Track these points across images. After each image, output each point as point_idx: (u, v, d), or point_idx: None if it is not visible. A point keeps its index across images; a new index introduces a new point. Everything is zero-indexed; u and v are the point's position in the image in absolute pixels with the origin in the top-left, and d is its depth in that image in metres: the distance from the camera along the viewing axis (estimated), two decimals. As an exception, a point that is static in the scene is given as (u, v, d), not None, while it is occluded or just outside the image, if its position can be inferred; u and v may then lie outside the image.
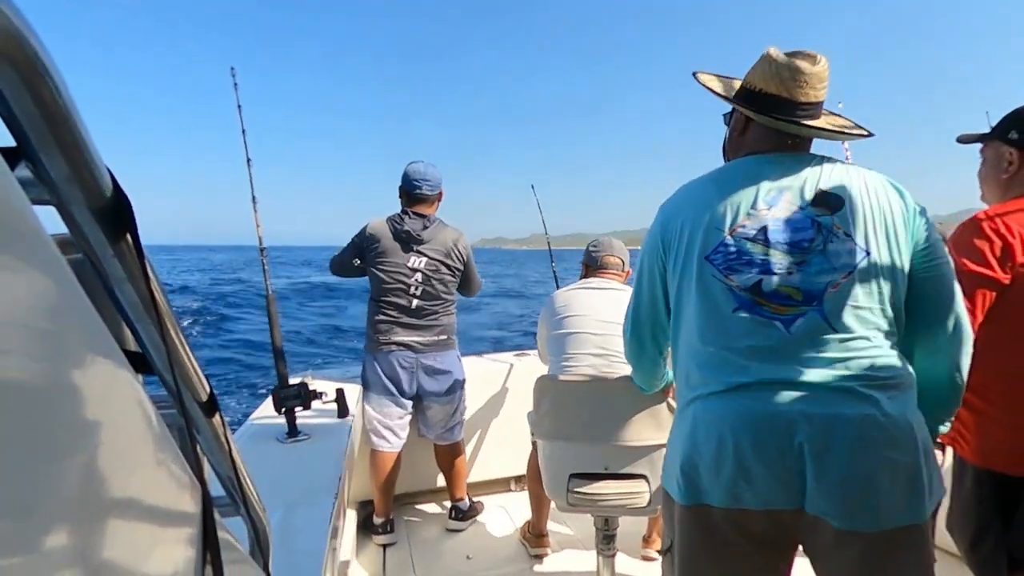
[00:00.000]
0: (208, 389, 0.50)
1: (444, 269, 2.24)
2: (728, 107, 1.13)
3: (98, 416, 0.27)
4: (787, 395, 0.90)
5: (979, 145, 1.36)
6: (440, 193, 2.29)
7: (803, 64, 0.99)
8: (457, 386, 2.33)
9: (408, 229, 2.18)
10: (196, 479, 0.43)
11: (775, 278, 0.94)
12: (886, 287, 0.94)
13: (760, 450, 0.89)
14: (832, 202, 0.96)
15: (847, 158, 1.61)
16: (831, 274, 0.93)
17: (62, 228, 0.32)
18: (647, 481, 1.60)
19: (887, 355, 0.92)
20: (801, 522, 0.91)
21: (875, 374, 0.90)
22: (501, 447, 2.67)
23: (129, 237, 0.34)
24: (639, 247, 1.17)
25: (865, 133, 1.08)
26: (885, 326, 0.94)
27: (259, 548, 0.70)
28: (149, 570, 0.32)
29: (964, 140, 1.37)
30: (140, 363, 0.41)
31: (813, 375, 0.90)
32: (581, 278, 1.99)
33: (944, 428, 1.05)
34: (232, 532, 0.53)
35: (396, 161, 2.35)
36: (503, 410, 2.68)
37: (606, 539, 1.70)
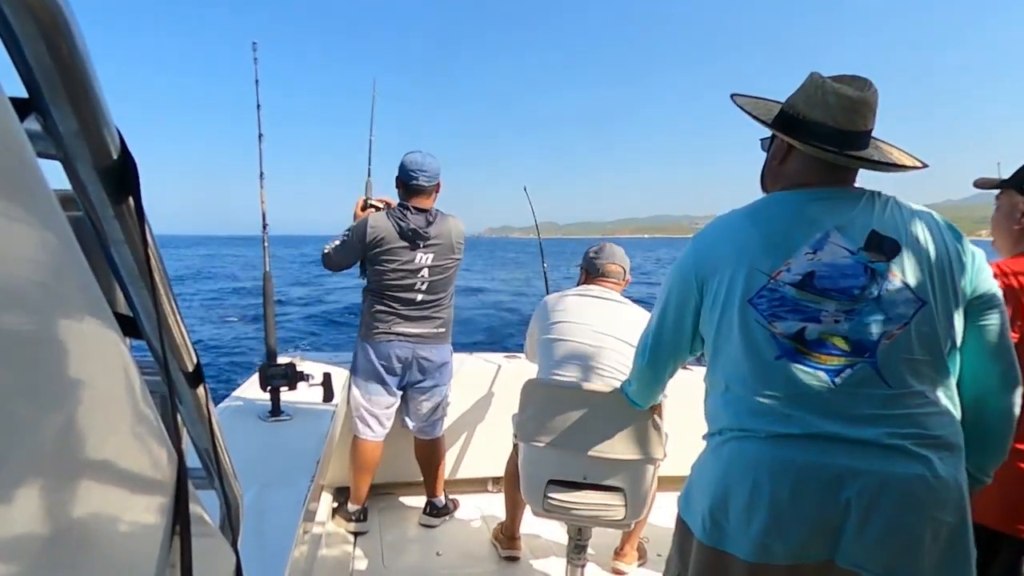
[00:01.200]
0: (195, 359, 0.50)
1: (448, 262, 2.23)
2: (766, 131, 1.07)
3: (81, 374, 0.27)
4: (834, 448, 0.86)
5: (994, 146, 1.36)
6: (438, 184, 2.22)
7: (851, 91, 0.93)
8: (445, 380, 2.33)
9: (414, 227, 2.13)
10: (173, 448, 0.43)
11: (820, 326, 0.90)
12: (943, 339, 0.89)
13: (798, 501, 0.85)
14: (887, 247, 0.91)
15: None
16: (886, 325, 0.88)
17: (66, 185, 0.32)
18: (624, 495, 1.60)
19: (941, 412, 0.88)
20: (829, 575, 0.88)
21: (928, 432, 0.86)
22: (482, 447, 2.67)
23: (131, 200, 0.34)
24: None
25: (919, 165, 1.01)
26: (941, 380, 0.89)
27: (230, 524, 0.69)
28: (117, 533, 0.32)
29: (981, 185, 1.37)
30: (130, 327, 0.41)
31: (862, 430, 0.85)
32: (579, 283, 1.97)
33: (987, 480, 0.99)
34: (204, 505, 0.53)
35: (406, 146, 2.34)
36: (488, 411, 2.67)
37: (577, 548, 1.70)
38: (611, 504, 1.60)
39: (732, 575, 0.92)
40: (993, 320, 0.94)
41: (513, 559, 2.13)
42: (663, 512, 2.47)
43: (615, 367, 1.68)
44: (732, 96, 1.11)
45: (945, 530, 0.85)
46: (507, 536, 2.15)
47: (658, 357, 1.17)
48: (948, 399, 0.90)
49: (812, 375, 0.89)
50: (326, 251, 2.21)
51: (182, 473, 0.43)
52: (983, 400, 0.95)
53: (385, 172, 2.37)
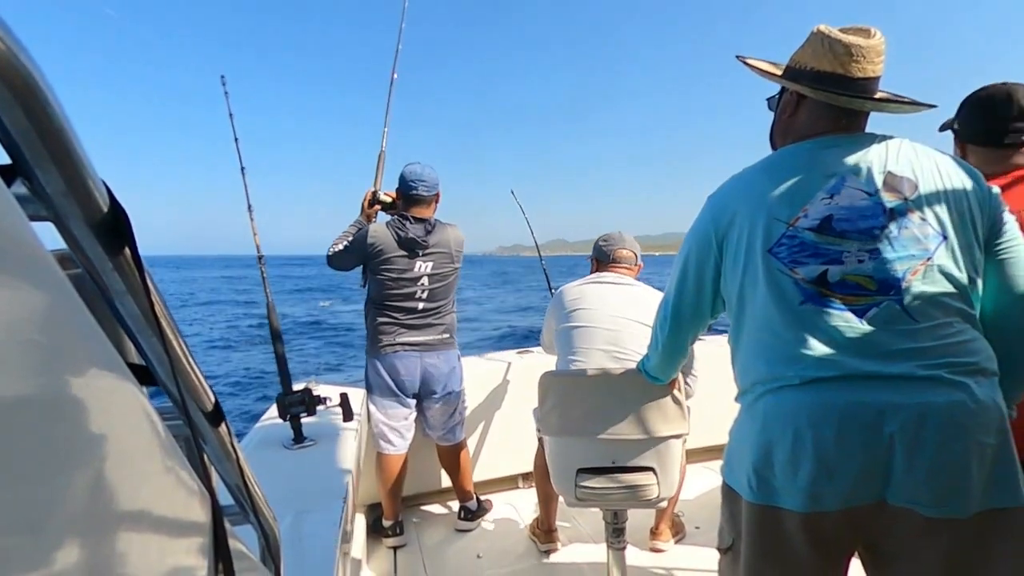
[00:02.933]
0: (213, 398, 0.50)
1: (448, 270, 2.25)
2: (772, 92, 1.08)
3: (103, 429, 0.27)
4: (871, 386, 0.86)
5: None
6: (437, 194, 2.26)
7: (858, 39, 0.94)
8: (456, 386, 2.33)
9: (412, 236, 2.15)
10: (205, 488, 0.43)
11: (843, 267, 0.91)
12: (966, 271, 0.90)
13: (843, 443, 0.85)
14: (904, 186, 0.92)
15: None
16: (909, 261, 0.89)
17: (61, 244, 0.32)
18: (655, 474, 1.61)
19: (972, 340, 0.88)
20: (882, 516, 0.87)
21: (962, 359, 0.86)
22: (507, 445, 2.67)
23: (128, 250, 0.34)
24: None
25: (929, 105, 1.01)
26: (968, 310, 0.90)
27: (270, 555, 0.70)
28: None
29: (942, 128, 1.38)
30: (144, 375, 0.41)
31: (896, 365, 0.86)
32: (592, 272, 1.97)
33: (1012, 413, 0.97)
34: (243, 540, 0.54)
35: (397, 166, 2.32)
36: (507, 408, 2.68)
37: (616, 532, 1.71)
38: (643, 484, 1.60)
39: (786, 529, 0.91)
40: (1013, 253, 0.94)
41: (553, 551, 2.13)
42: (694, 486, 2.48)
43: (636, 349, 1.68)
44: (740, 58, 1.11)
45: (990, 453, 0.84)
46: (544, 530, 2.15)
47: (680, 324, 1.16)
48: (974, 327, 0.90)
49: (839, 316, 0.90)
50: (331, 252, 2.25)
51: (217, 512, 0.43)
52: (1008, 331, 0.94)
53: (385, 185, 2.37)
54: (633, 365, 1.64)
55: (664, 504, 1.70)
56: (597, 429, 1.57)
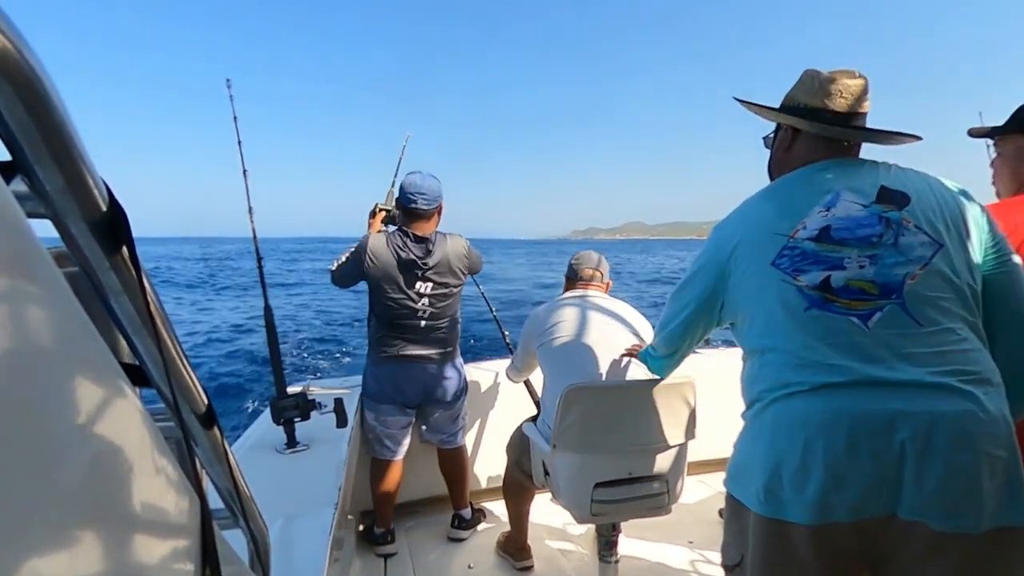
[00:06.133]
0: (206, 401, 0.50)
1: (451, 285, 2.19)
2: (768, 130, 1.16)
3: (94, 429, 0.27)
4: (881, 393, 0.86)
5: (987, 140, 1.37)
6: (439, 207, 2.16)
7: (846, 78, 1.02)
8: (460, 391, 2.31)
9: (412, 259, 2.08)
10: (195, 492, 0.43)
11: (845, 272, 0.93)
12: (964, 279, 0.92)
13: (855, 451, 0.84)
14: (898, 198, 0.96)
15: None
16: (907, 266, 0.91)
17: (58, 241, 0.32)
18: (667, 481, 1.60)
19: (977, 349, 0.89)
20: (892, 530, 0.86)
21: (969, 368, 0.86)
22: (502, 455, 2.66)
23: (125, 250, 0.34)
24: None
25: (915, 136, 1.07)
26: (970, 318, 0.91)
27: (259, 560, 0.69)
28: None
29: (975, 134, 1.37)
30: (137, 376, 0.41)
31: (905, 371, 0.86)
32: (564, 291, 2.00)
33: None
34: (231, 545, 0.53)
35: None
36: (506, 417, 2.66)
37: (608, 545, 1.69)
38: (656, 493, 1.59)
39: (795, 543, 0.89)
40: (1009, 267, 0.96)
41: (530, 568, 2.09)
42: (687, 499, 2.46)
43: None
44: (736, 99, 1.18)
45: (1001, 466, 0.83)
46: (517, 548, 2.10)
47: (669, 339, 1.23)
48: (978, 337, 0.91)
49: (845, 321, 0.91)
50: (332, 268, 2.20)
51: (206, 515, 0.43)
52: (1005, 346, 0.95)
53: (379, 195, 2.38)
54: (629, 372, 1.64)
55: (670, 511, 1.68)
56: (617, 441, 1.56)
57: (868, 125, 1.06)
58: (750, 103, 1.17)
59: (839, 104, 1.02)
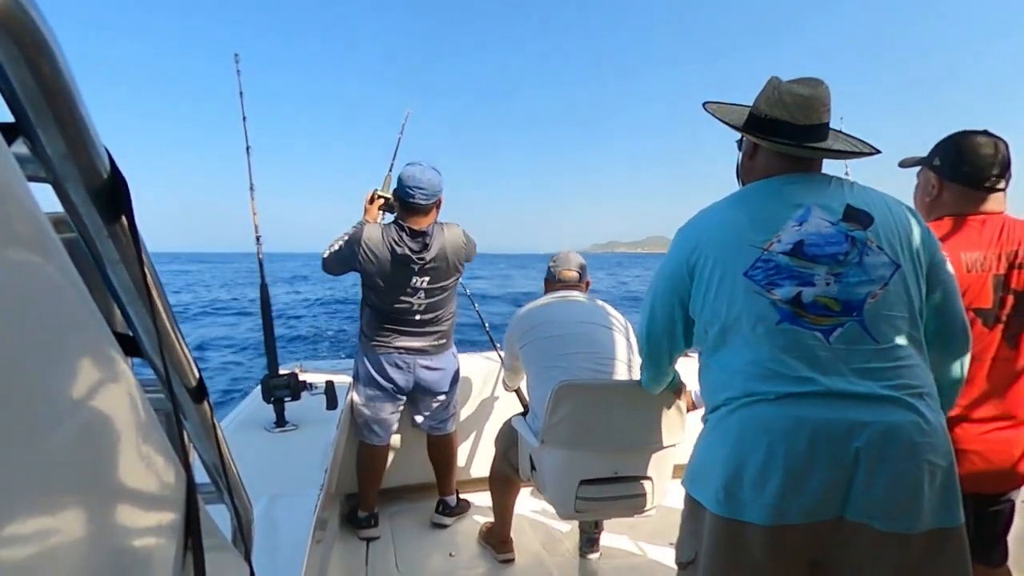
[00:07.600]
0: (197, 375, 0.50)
1: (448, 278, 2.17)
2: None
3: (84, 396, 0.27)
4: (842, 404, 0.92)
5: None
6: (438, 200, 2.11)
7: (802, 89, 1.05)
8: (452, 380, 2.32)
9: (408, 253, 2.05)
10: (181, 465, 0.43)
11: (815, 289, 0.97)
12: (914, 299, 0.99)
13: (814, 456, 0.90)
14: (863, 218, 1.01)
15: (847, 174, 1.64)
16: (869, 285, 0.97)
17: (58, 207, 0.32)
18: (652, 482, 1.61)
19: (919, 365, 0.97)
20: (840, 531, 0.92)
21: (914, 383, 0.94)
22: (490, 446, 2.67)
23: (124, 219, 0.34)
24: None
25: (871, 151, 1.12)
26: (915, 335, 0.99)
27: (242, 537, 0.69)
28: (129, 553, 0.32)
29: (905, 164, 1.46)
30: (130, 346, 0.40)
31: (862, 384, 0.93)
32: (544, 294, 2.01)
33: None
34: (215, 520, 0.53)
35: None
36: (496, 410, 2.67)
37: (589, 542, 1.71)
38: (640, 493, 1.60)
39: (749, 543, 0.93)
40: (948, 285, 1.04)
41: (511, 560, 2.10)
42: (670, 501, 2.47)
43: (611, 351, 1.72)
44: (704, 104, 1.20)
45: (939, 474, 0.91)
46: (500, 540, 2.11)
47: (655, 348, 1.23)
48: (920, 353, 1.00)
49: (811, 336, 0.96)
50: (325, 255, 2.14)
51: (191, 489, 0.43)
52: (944, 356, 1.06)
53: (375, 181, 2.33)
54: (613, 367, 1.65)
55: (654, 512, 1.70)
56: (605, 439, 1.57)
57: (835, 129, 1.11)
58: (720, 107, 1.19)
59: (797, 116, 1.05)
